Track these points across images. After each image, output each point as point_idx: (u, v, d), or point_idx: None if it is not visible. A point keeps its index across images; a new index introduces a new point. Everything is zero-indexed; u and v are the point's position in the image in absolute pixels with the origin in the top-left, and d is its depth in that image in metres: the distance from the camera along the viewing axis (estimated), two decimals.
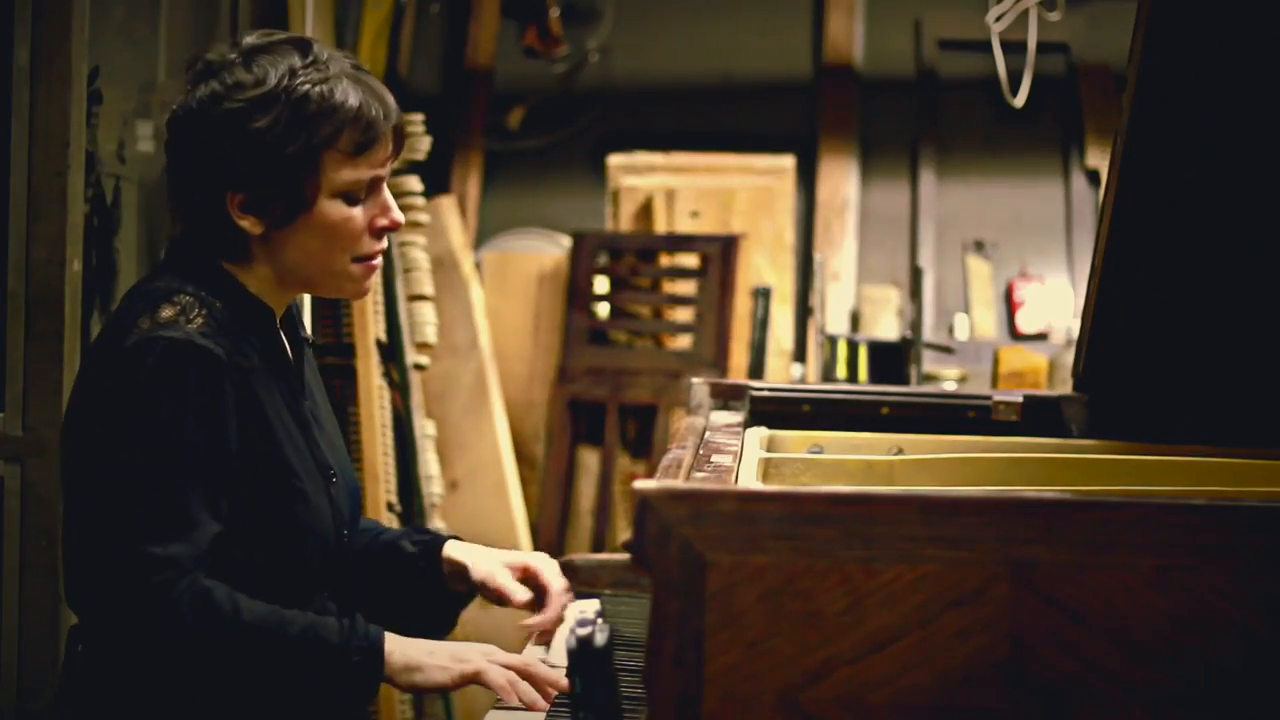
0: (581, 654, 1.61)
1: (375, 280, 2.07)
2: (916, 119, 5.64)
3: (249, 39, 1.98)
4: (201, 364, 1.86)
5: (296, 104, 1.92)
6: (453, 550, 2.17)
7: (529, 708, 1.92)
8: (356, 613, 1.93)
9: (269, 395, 1.95)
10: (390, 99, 2.01)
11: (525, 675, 1.94)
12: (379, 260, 2.04)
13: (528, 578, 2.17)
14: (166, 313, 1.88)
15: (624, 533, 4.75)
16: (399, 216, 2.03)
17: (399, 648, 1.91)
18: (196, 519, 1.83)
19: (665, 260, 5.09)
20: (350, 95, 1.95)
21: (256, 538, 1.91)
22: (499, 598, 2.12)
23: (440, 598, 2.18)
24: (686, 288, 5.05)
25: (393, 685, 1.91)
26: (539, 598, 2.16)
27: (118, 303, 2.00)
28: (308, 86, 1.93)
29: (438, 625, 2.19)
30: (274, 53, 1.95)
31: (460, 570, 2.16)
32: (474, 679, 1.92)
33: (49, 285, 2.98)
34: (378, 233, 2.01)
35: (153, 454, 1.82)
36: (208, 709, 1.86)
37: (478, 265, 5.16)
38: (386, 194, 2.02)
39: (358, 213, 1.98)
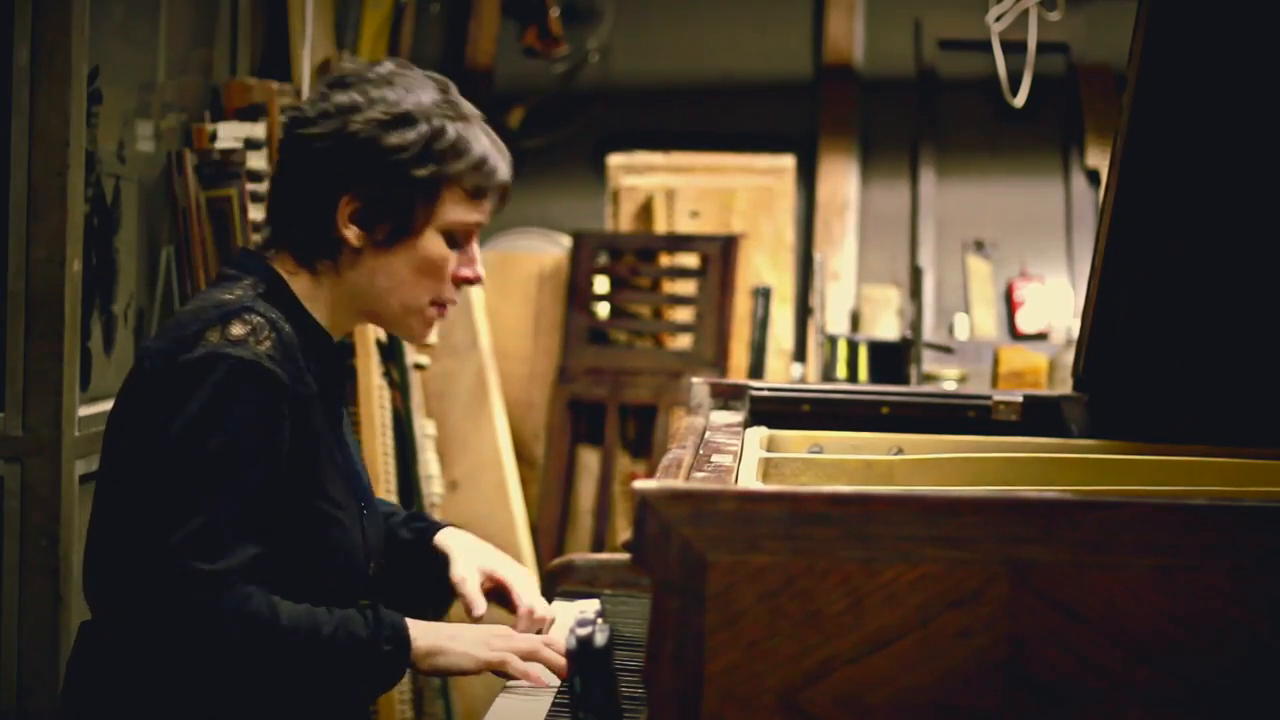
0: (581, 654, 1.61)
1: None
2: (916, 119, 5.64)
3: (388, 64, 2.04)
4: (265, 387, 1.87)
5: (434, 134, 1.97)
6: (443, 540, 2.21)
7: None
8: (376, 602, 1.94)
9: (320, 423, 1.97)
10: (508, 154, 2.06)
11: (536, 659, 1.98)
12: (449, 311, 2.08)
13: (498, 589, 2.18)
14: (237, 330, 1.89)
15: (624, 533, 4.75)
16: (481, 272, 2.07)
17: (423, 633, 1.94)
18: (241, 537, 1.84)
19: (665, 260, 5.09)
20: (481, 141, 2.01)
21: (292, 561, 1.92)
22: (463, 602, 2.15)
23: (433, 585, 2.20)
24: (686, 288, 5.04)
25: (415, 670, 1.93)
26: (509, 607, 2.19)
27: (183, 307, 2.01)
28: (446, 122, 1.98)
29: (434, 607, 2.22)
30: (414, 80, 2.01)
31: (444, 562, 2.18)
32: (497, 667, 1.95)
33: (49, 285, 2.98)
34: (458, 282, 2.05)
35: (208, 469, 1.83)
36: (230, 709, 1.87)
37: None
38: (476, 248, 2.06)
39: (453, 256, 2.03)
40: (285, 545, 1.91)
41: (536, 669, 1.97)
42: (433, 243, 2.00)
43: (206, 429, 1.84)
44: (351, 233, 1.98)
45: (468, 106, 2.04)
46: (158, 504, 1.83)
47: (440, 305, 2.05)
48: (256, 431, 1.86)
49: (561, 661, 1.97)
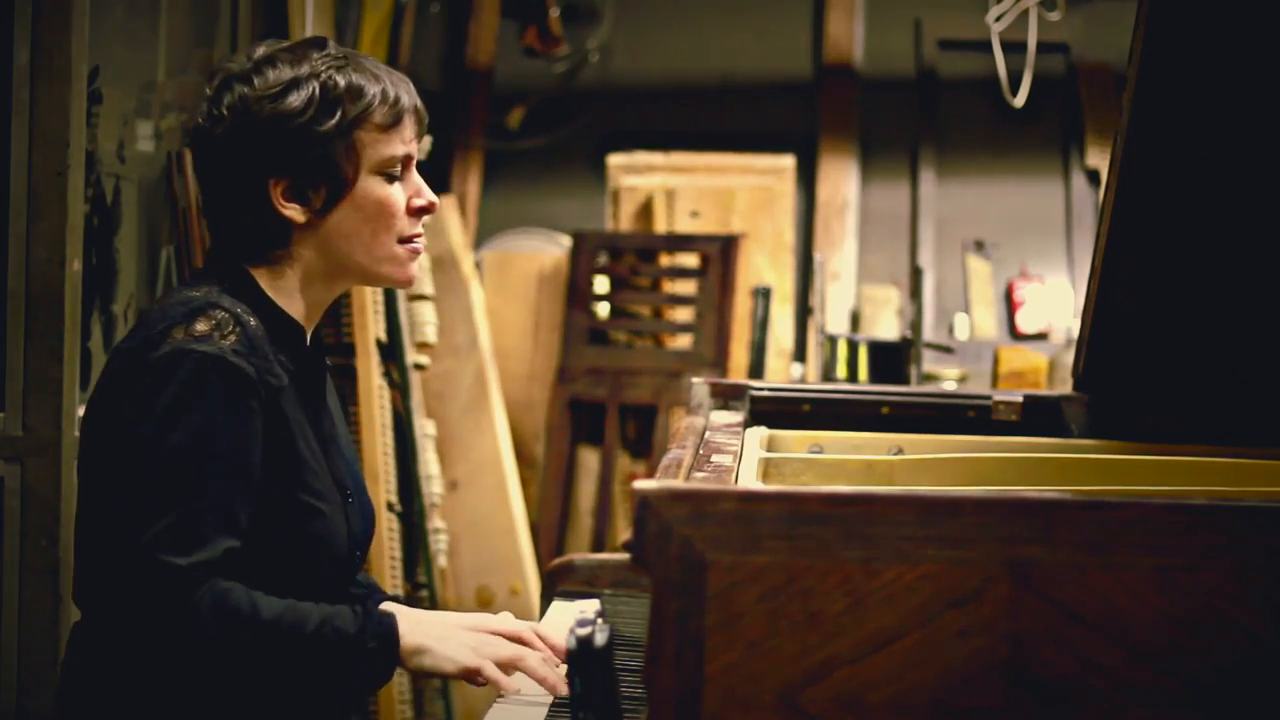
0: (581, 654, 1.61)
1: (416, 266, 2.09)
2: (916, 119, 5.64)
3: (261, 49, 2.04)
4: (231, 381, 1.87)
5: (324, 87, 1.98)
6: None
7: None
8: (368, 600, 1.93)
9: (294, 414, 1.97)
10: (407, 80, 2.07)
11: (518, 667, 1.95)
12: (422, 244, 2.08)
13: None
14: (201, 326, 1.89)
15: (624, 533, 4.75)
16: (434, 198, 2.08)
17: (412, 630, 1.92)
18: (215, 531, 1.84)
19: (665, 260, 5.09)
20: (372, 77, 2.02)
21: (272, 553, 1.92)
22: None
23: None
24: (686, 288, 5.05)
25: (402, 667, 1.93)
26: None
27: (151, 307, 2.00)
28: (332, 72, 1.99)
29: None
30: (291, 52, 2.02)
31: None
32: (473, 674, 1.93)
33: (49, 285, 2.98)
34: (416, 213, 2.05)
35: (178, 466, 1.83)
36: (221, 706, 1.87)
37: (478, 265, 5.16)
38: (418, 176, 2.07)
39: (397, 190, 2.04)
40: (265, 537, 1.90)
41: (512, 680, 1.94)
42: (372, 186, 2.01)
43: (174, 426, 1.84)
44: (293, 210, 1.99)
45: (348, 50, 2.06)
46: (130, 503, 1.83)
47: (408, 242, 2.05)
48: (225, 425, 1.86)
49: (544, 673, 1.95)
